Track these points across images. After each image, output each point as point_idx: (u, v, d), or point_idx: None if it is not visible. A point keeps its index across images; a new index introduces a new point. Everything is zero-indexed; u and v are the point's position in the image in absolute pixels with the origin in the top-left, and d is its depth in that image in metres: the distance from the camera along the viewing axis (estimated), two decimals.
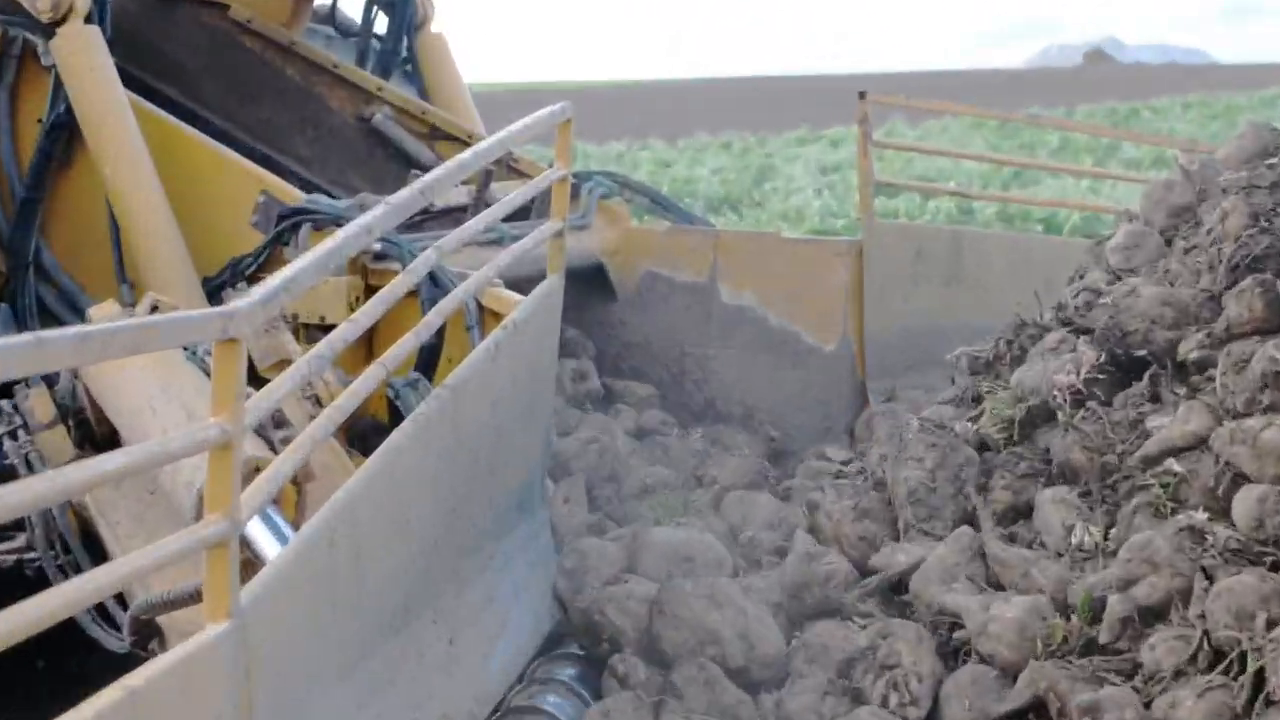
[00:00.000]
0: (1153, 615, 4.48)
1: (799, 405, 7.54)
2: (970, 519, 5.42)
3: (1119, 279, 5.80)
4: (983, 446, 5.71)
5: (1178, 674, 4.28)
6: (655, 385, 7.47)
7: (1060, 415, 5.37)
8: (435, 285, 5.49)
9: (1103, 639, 4.54)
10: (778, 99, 38.93)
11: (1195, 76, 47.97)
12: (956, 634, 4.90)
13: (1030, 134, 27.25)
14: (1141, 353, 5.32)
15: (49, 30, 6.38)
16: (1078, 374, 5.36)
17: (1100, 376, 5.38)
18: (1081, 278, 6.15)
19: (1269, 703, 4.10)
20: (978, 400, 5.91)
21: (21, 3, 6.38)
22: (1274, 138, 5.97)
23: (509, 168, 7.71)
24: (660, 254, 7.81)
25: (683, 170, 25.96)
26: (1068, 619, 4.71)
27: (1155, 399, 5.24)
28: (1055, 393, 5.40)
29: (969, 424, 5.79)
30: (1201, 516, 4.66)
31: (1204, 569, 4.43)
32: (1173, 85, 43.08)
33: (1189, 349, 5.16)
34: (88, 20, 6.40)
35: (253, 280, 6.03)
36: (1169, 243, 5.85)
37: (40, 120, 6.63)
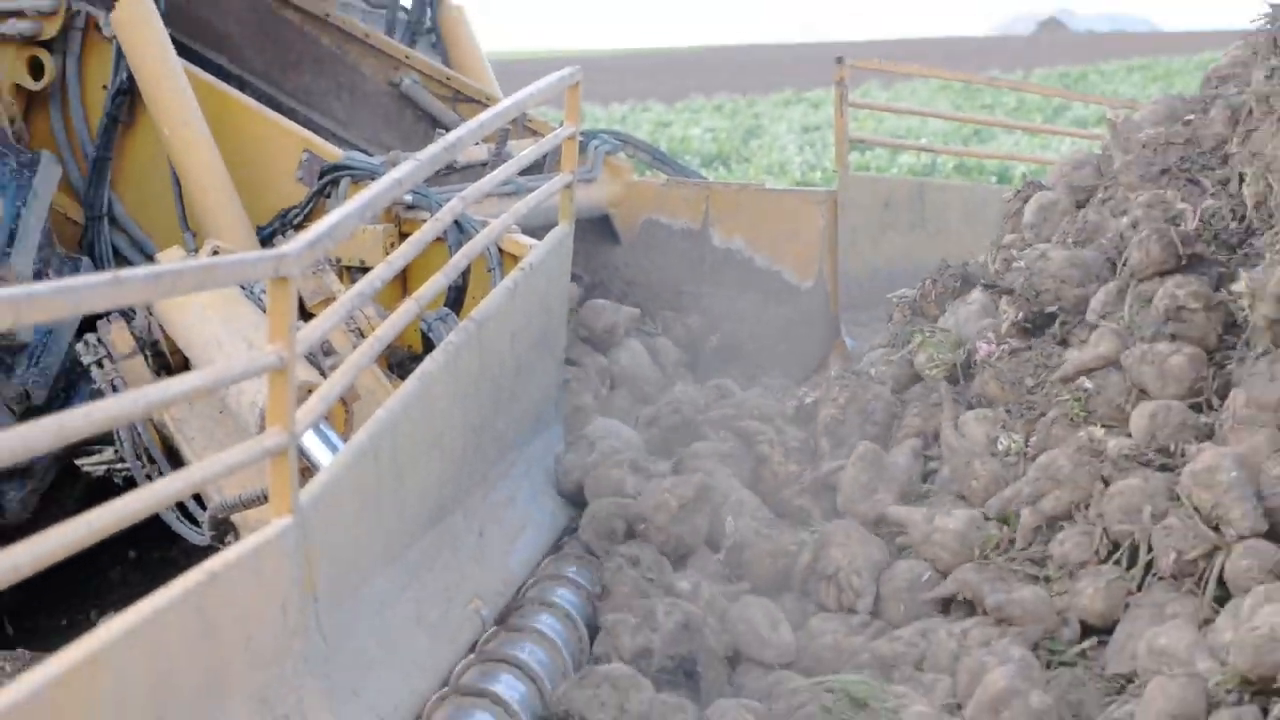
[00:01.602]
0: (1059, 522, 4.70)
1: (781, 336, 7.62)
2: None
3: (1028, 244, 5.95)
4: (915, 381, 5.86)
5: (1082, 565, 4.50)
6: (655, 319, 7.54)
7: (981, 363, 5.56)
8: (461, 231, 5.58)
9: (1018, 545, 4.74)
10: (765, 65, 38.68)
11: (1141, 43, 47.68)
12: (899, 539, 5.04)
13: (989, 95, 27.17)
14: (1053, 308, 5.47)
15: (109, 4, 6.46)
16: (997, 341, 5.52)
17: (1012, 341, 5.53)
18: (1001, 240, 6.28)
19: (1159, 578, 4.30)
20: (908, 341, 6.01)
21: None
22: (1183, 105, 6.09)
23: (524, 127, 7.73)
24: (659, 204, 7.85)
25: (679, 130, 25.89)
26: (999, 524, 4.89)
27: (1064, 343, 5.41)
28: (978, 359, 5.55)
29: (904, 361, 5.91)
30: (1100, 433, 4.85)
31: (1103, 478, 4.63)
32: (1120, 51, 42.84)
33: (1098, 302, 5.30)
34: None
35: (300, 229, 6.10)
36: (1080, 205, 5.98)
37: (104, 86, 6.66)
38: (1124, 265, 5.24)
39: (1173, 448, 4.63)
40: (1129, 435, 4.81)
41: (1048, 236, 5.88)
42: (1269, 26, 5.15)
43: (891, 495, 5.20)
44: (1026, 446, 5.09)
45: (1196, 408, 4.78)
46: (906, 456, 5.38)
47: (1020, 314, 5.52)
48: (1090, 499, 4.63)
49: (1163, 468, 4.60)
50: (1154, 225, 5.12)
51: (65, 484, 6.23)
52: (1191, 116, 5.82)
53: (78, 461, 6.05)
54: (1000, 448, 5.12)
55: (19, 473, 5.90)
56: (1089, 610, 4.40)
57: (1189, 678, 3.75)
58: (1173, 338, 4.88)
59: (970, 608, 4.62)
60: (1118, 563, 4.44)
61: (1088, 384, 5.05)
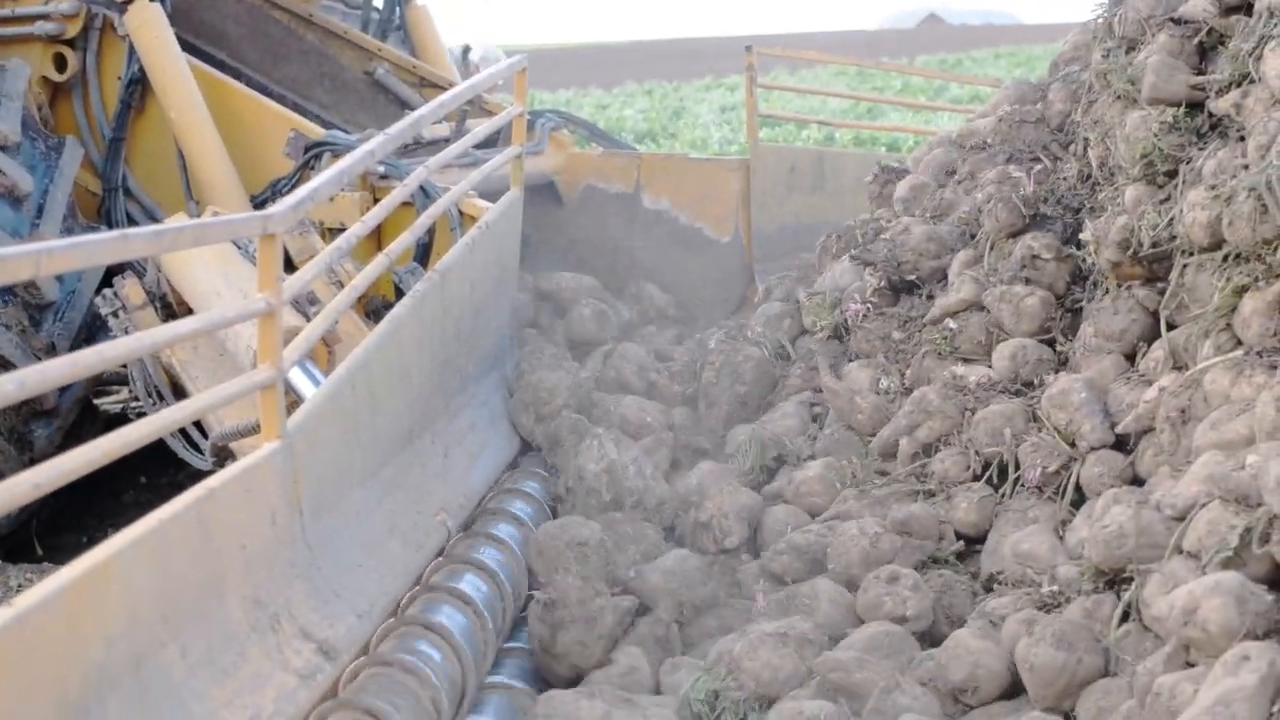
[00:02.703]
0: (933, 449, 4.68)
1: (703, 284, 7.58)
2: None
3: (898, 217, 5.92)
4: (803, 333, 5.81)
5: (959, 483, 4.50)
6: (594, 272, 7.50)
7: (852, 323, 5.53)
8: (426, 196, 5.52)
9: (900, 470, 4.72)
10: (689, 56, 38.44)
11: (1006, 34, 47.75)
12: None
13: (880, 78, 27.09)
14: (912, 277, 5.47)
15: (122, 7, 6.41)
16: (863, 301, 5.49)
17: (876, 302, 5.50)
18: (872, 214, 6.23)
19: (1024, 487, 4.32)
20: (797, 301, 5.97)
21: None
22: (1030, 89, 6.07)
23: (481, 108, 7.68)
24: (597, 172, 7.76)
25: (616, 111, 25.73)
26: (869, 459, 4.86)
27: (931, 298, 5.38)
28: (848, 318, 5.53)
29: (795, 319, 5.85)
30: (961, 369, 4.84)
31: (970, 409, 4.62)
32: (990, 40, 42.87)
33: (957, 264, 5.29)
34: None
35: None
36: (941, 185, 5.96)
37: (119, 77, 6.59)
38: (980, 233, 5.25)
39: (1035, 381, 4.63)
40: (989, 366, 4.82)
41: (914, 212, 5.85)
42: (1105, 14, 5.13)
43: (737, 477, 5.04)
44: (903, 384, 5.08)
45: (1048, 344, 4.78)
46: (794, 405, 5.35)
47: (882, 282, 5.52)
48: (960, 427, 4.61)
49: (1017, 394, 4.62)
50: (1000, 195, 5.14)
51: (86, 423, 6.16)
52: (1040, 98, 5.82)
53: (96, 400, 5.96)
54: (881, 387, 5.11)
55: (46, 413, 5.83)
56: (964, 521, 4.38)
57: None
58: (1027, 281, 4.89)
59: None
60: (989, 481, 4.43)
61: (952, 324, 5.06)
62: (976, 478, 4.47)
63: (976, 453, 4.49)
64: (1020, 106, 5.81)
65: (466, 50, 9.37)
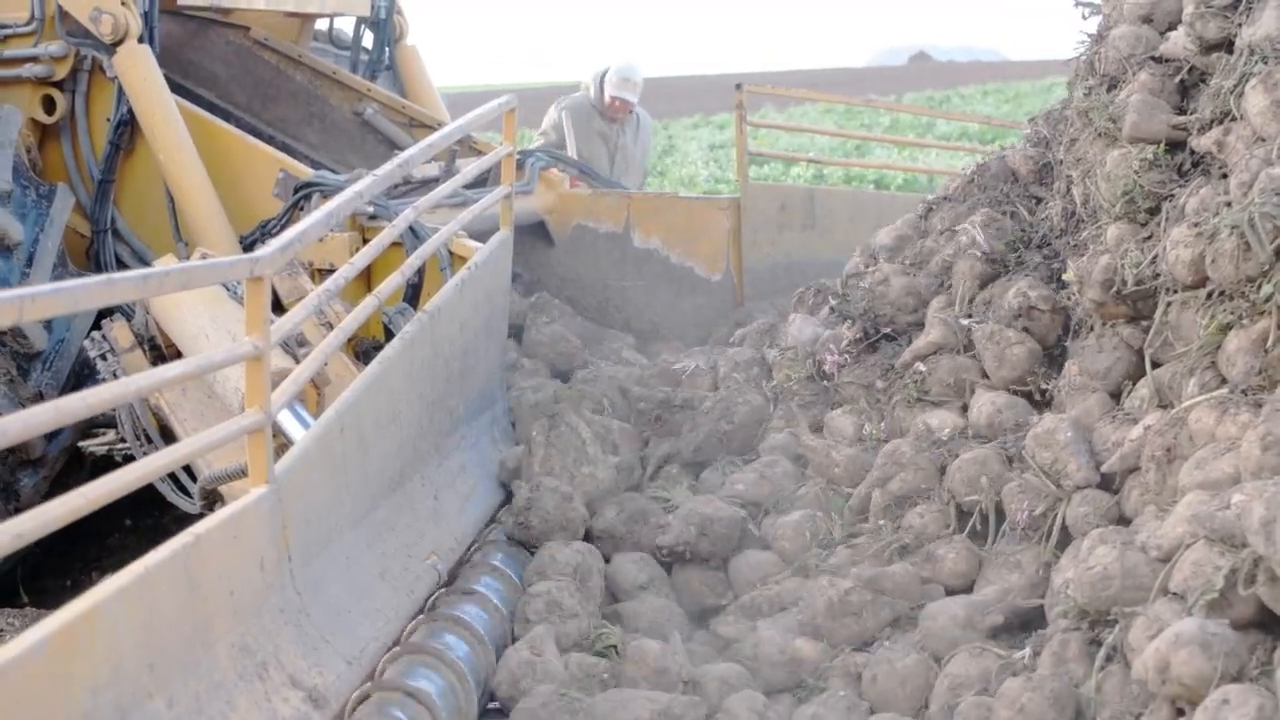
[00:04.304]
0: (907, 501, 4.62)
1: (694, 322, 7.58)
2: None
3: (877, 262, 5.91)
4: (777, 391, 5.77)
5: (938, 536, 4.45)
6: (585, 310, 7.51)
7: (832, 373, 5.52)
8: (416, 237, 5.52)
9: (871, 523, 4.66)
10: (677, 94, 38.58)
11: (993, 71, 47.97)
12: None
13: (868, 115, 27.16)
14: (888, 330, 5.48)
15: (111, 49, 6.40)
16: (838, 352, 5.48)
17: (853, 352, 5.51)
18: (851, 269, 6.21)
19: (1011, 530, 4.27)
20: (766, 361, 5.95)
21: (89, 28, 6.40)
22: None
23: (470, 148, 7.69)
24: (587, 211, 7.77)
25: None
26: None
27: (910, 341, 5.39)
28: (824, 368, 5.52)
29: (766, 373, 5.83)
30: (934, 421, 4.81)
31: (943, 464, 4.59)
32: (976, 77, 43.04)
33: (932, 310, 5.31)
34: (140, 40, 6.41)
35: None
36: (924, 224, 5.99)
37: (108, 119, 6.59)
38: (955, 278, 5.30)
39: (1010, 439, 4.58)
40: (958, 410, 4.81)
41: (896, 260, 5.84)
42: (1086, 52, 5.16)
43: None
44: (882, 432, 5.07)
45: (1025, 395, 4.78)
46: (780, 447, 5.33)
47: (859, 334, 5.52)
48: (934, 478, 4.59)
49: (988, 440, 4.60)
50: (963, 252, 5.20)
51: (73, 470, 6.14)
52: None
53: (81, 444, 5.95)
54: (865, 434, 5.10)
55: (34, 462, 5.81)
56: (953, 573, 4.31)
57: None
58: (1023, 329, 4.87)
59: None
60: (973, 529, 4.39)
61: (922, 368, 5.05)
62: (956, 531, 4.42)
63: (957, 504, 4.46)
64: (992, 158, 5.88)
65: (605, 74, 9.36)
